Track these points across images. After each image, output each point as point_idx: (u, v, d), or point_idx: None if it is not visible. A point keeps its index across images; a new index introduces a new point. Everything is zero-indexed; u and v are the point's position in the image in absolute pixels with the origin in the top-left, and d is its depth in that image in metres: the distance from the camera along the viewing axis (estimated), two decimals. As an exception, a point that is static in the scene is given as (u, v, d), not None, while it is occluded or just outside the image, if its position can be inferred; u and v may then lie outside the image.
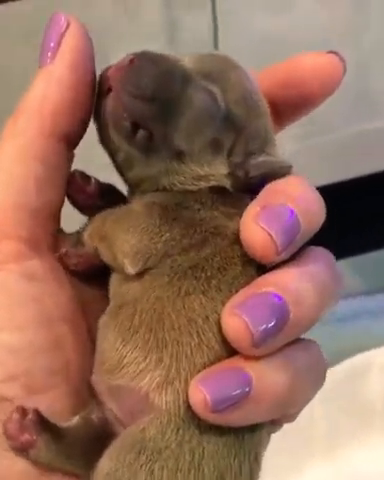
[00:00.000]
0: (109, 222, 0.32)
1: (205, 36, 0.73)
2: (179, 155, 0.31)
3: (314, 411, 0.71)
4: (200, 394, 0.28)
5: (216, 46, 0.73)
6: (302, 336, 0.31)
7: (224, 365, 0.29)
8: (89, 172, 0.34)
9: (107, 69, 0.31)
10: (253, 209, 0.30)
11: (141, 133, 0.31)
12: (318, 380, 0.32)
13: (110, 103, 0.31)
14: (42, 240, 0.32)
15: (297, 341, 0.30)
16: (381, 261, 0.86)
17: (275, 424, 0.33)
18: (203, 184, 0.31)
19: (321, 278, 0.30)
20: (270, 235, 0.29)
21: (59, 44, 0.31)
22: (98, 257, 0.32)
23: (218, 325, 0.29)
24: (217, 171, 0.31)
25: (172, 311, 0.30)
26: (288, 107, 0.34)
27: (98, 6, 0.72)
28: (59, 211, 0.33)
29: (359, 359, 0.75)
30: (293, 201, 0.30)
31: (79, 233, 0.33)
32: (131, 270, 0.31)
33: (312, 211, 0.30)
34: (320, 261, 0.31)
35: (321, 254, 0.32)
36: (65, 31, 0.31)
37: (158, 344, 0.30)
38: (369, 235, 0.77)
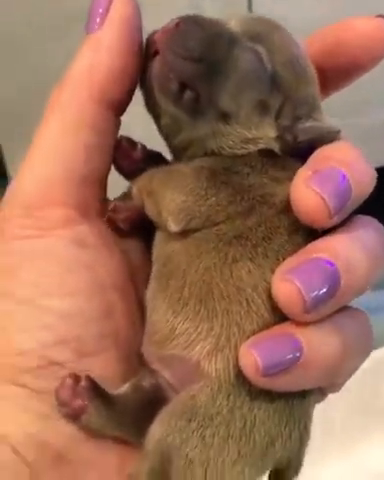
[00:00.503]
0: (157, 179, 0.32)
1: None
2: (225, 116, 0.31)
3: (330, 407, 0.71)
4: (251, 358, 0.29)
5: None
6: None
7: (275, 331, 0.29)
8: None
9: (153, 33, 0.31)
10: (304, 173, 0.29)
11: (188, 94, 0.31)
12: (366, 349, 0.32)
13: (157, 65, 0.31)
14: (91, 206, 0.33)
15: (346, 308, 0.30)
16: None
17: (322, 393, 0.33)
18: (252, 147, 0.31)
19: (371, 245, 0.30)
20: (323, 198, 0.29)
21: (108, 10, 0.31)
22: (144, 212, 0.32)
23: (267, 292, 0.29)
24: (265, 134, 0.31)
25: (220, 281, 0.30)
26: (336, 73, 0.34)
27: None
28: (106, 178, 0.33)
29: (375, 355, 0.74)
30: (344, 166, 0.29)
31: (128, 190, 0.33)
32: (174, 228, 0.31)
33: (362, 177, 0.30)
34: (369, 228, 0.31)
35: (369, 222, 0.31)
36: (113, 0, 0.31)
37: (208, 314, 0.30)
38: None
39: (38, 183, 0.32)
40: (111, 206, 0.33)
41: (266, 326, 0.30)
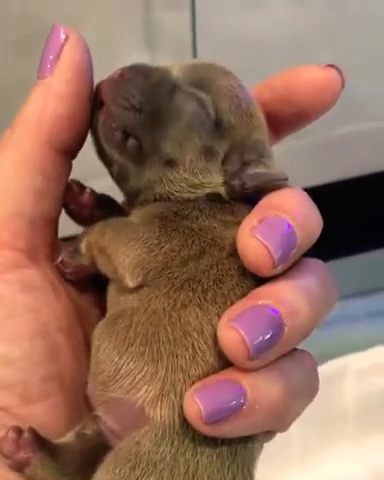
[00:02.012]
0: (108, 234, 0.32)
1: (184, 36, 0.73)
2: (170, 163, 0.31)
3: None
4: (195, 405, 0.28)
5: (194, 46, 0.73)
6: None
7: (219, 377, 0.29)
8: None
9: (101, 82, 0.32)
10: (250, 222, 0.30)
11: (131, 142, 0.31)
12: (312, 390, 0.32)
13: (102, 116, 0.31)
14: (40, 250, 0.33)
15: (291, 352, 0.30)
16: (357, 266, 0.86)
17: (267, 433, 0.33)
18: (199, 192, 0.31)
19: (315, 290, 0.30)
20: (267, 248, 0.29)
21: (58, 57, 0.31)
22: (94, 267, 0.32)
23: (213, 338, 0.30)
24: (212, 179, 0.32)
25: (168, 324, 0.30)
26: (286, 121, 0.34)
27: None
28: (57, 221, 0.33)
29: (334, 365, 0.75)
30: (290, 215, 0.30)
31: (76, 243, 0.33)
32: (130, 284, 0.31)
33: (309, 225, 0.30)
34: (314, 273, 0.31)
35: (315, 266, 0.31)
36: (64, 43, 0.31)
37: (153, 357, 0.30)
38: (344, 241, 0.77)
39: None
40: (58, 260, 0.33)
41: (212, 371, 0.30)
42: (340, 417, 0.74)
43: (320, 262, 0.32)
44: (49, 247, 0.33)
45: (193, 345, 0.30)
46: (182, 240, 0.31)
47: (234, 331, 0.28)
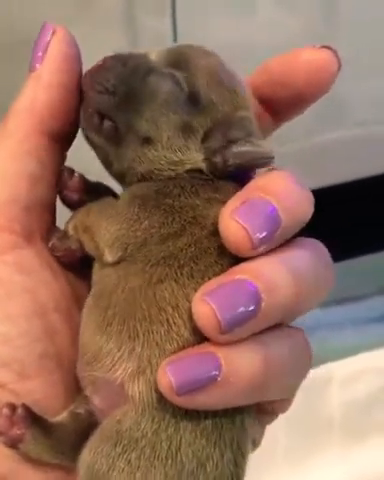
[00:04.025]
0: (92, 213, 0.32)
1: (167, 42, 0.72)
2: (148, 141, 0.31)
3: (273, 425, 0.70)
4: (166, 377, 0.29)
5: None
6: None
7: (194, 350, 0.29)
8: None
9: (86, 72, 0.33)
10: (232, 204, 0.30)
11: (106, 123, 0.32)
12: (299, 367, 0.32)
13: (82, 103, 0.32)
14: (36, 233, 0.33)
15: (277, 327, 0.30)
16: (340, 274, 0.86)
17: (265, 413, 0.33)
18: (180, 169, 0.32)
19: (300, 264, 0.30)
20: (246, 230, 0.29)
21: (46, 50, 0.33)
22: (81, 250, 0.33)
23: (188, 312, 0.30)
24: (192, 156, 0.32)
25: (143, 301, 0.30)
26: (284, 104, 0.34)
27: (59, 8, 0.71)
28: (53, 206, 0.34)
29: (318, 372, 0.75)
30: (274, 196, 0.30)
31: (65, 226, 0.34)
32: (109, 258, 0.31)
33: (296, 207, 0.30)
34: (302, 249, 0.31)
35: (306, 243, 0.31)
36: (52, 38, 0.33)
37: (130, 335, 0.30)
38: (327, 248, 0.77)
39: None
40: (49, 244, 0.34)
41: (187, 346, 0.30)
42: (326, 424, 0.74)
43: (314, 241, 0.32)
44: (46, 231, 0.34)
45: (168, 320, 0.30)
46: (162, 217, 0.31)
47: (206, 305, 0.28)
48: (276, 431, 0.71)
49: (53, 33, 0.33)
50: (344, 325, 0.84)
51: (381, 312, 0.86)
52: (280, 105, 0.34)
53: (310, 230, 0.32)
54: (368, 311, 0.86)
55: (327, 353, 0.77)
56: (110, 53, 0.33)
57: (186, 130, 0.31)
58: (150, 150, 0.31)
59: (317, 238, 0.32)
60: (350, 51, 0.86)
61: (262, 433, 0.35)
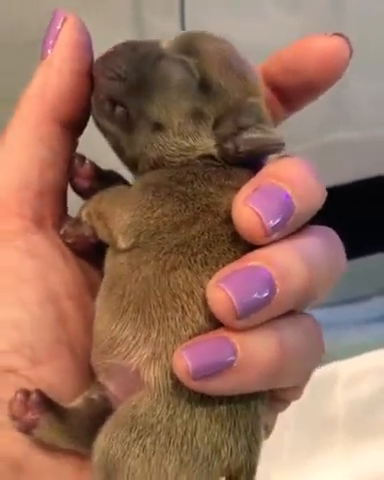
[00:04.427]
0: (105, 200, 0.33)
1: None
2: (159, 127, 0.31)
3: (279, 424, 0.70)
4: (182, 361, 0.29)
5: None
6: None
7: (210, 335, 0.29)
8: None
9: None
10: (246, 191, 0.30)
11: (118, 109, 0.32)
12: (313, 354, 0.32)
13: (93, 89, 0.33)
14: (47, 219, 0.34)
15: (290, 314, 0.30)
16: (345, 273, 0.86)
17: (278, 400, 0.33)
18: (191, 155, 0.32)
19: (313, 252, 0.30)
20: (260, 217, 0.29)
21: (57, 37, 0.33)
22: (94, 236, 0.33)
23: (203, 299, 0.30)
24: (203, 142, 0.32)
25: (158, 288, 0.30)
26: (296, 92, 0.34)
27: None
28: (64, 193, 0.34)
29: (324, 371, 0.75)
30: (287, 183, 0.30)
31: (78, 213, 0.34)
32: (123, 244, 0.31)
33: (308, 194, 0.30)
34: (315, 236, 0.31)
35: (318, 230, 0.32)
36: (62, 25, 0.33)
37: (146, 322, 0.30)
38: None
39: None
40: (61, 230, 0.34)
41: (202, 332, 0.30)
42: (330, 423, 0.74)
43: (329, 230, 0.32)
44: (57, 217, 0.34)
45: (183, 307, 0.30)
46: (176, 205, 0.31)
47: (222, 291, 0.29)
48: (282, 430, 0.72)
49: (64, 20, 0.33)
50: (350, 325, 0.84)
51: (381, 313, 0.86)
52: (292, 93, 0.34)
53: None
54: (372, 312, 0.86)
55: (334, 353, 0.77)
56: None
57: (197, 116, 0.31)
58: (161, 136, 0.31)
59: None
60: (357, 52, 0.87)
61: (274, 420, 0.35)
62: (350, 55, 0.33)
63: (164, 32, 0.73)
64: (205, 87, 0.31)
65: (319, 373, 0.73)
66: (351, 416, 0.74)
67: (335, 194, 0.85)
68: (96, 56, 0.33)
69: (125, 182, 0.34)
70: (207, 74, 0.31)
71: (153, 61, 0.31)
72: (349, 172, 0.85)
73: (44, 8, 0.70)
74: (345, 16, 0.80)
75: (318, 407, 0.74)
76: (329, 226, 0.32)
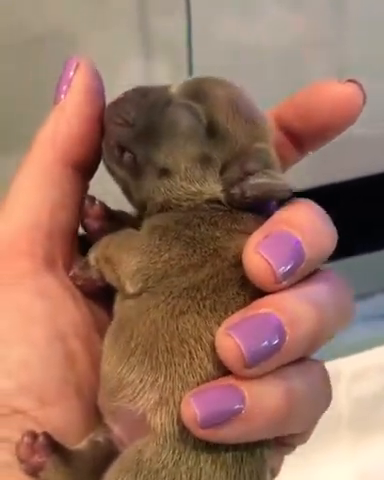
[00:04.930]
0: (112, 245, 0.33)
1: (180, 42, 0.73)
2: (166, 173, 0.32)
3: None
4: (191, 409, 0.28)
5: (190, 52, 0.73)
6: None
7: (218, 382, 0.29)
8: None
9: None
10: (256, 237, 0.30)
11: (126, 156, 0.32)
12: (320, 400, 0.32)
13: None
14: (57, 259, 0.34)
15: (299, 360, 0.30)
16: (350, 270, 0.86)
17: (284, 445, 0.33)
18: (198, 199, 0.32)
19: (324, 300, 0.30)
20: (270, 264, 0.29)
21: (70, 83, 0.34)
22: (102, 280, 0.33)
23: (211, 345, 0.29)
24: (210, 188, 0.32)
25: (166, 333, 0.30)
26: (309, 137, 0.34)
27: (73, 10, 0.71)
28: (75, 234, 0.35)
29: (328, 368, 0.75)
30: (298, 230, 0.29)
31: (87, 256, 0.34)
32: (130, 289, 0.31)
33: (319, 240, 0.30)
34: (324, 282, 0.31)
35: (326, 276, 0.31)
36: (76, 71, 0.34)
37: (153, 366, 0.30)
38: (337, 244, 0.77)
39: (6, 234, 0.33)
40: (71, 272, 0.34)
41: (211, 378, 0.29)
42: (334, 420, 0.75)
43: (333, 273, 0.32)
44: (68, 258, 0.34)
45: (190, 353, 0.30)
46: (183, 249, 0.31)
47: (230, 339, 0.28)
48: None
49: (77, 66, 0.34)
50: (355, 321, 0.84)
51: (385, 310, 0.86)
52: (305, 137, 0.34)
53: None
54: (376, 308, 0.86)
55: (338, 349, 0.77)
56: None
57: (204, 161, 0.31)
58: (168, 181, 0.32)
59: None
60: (357, 51, 0.87)
61: (281, 462, 0.35)
62: (364, 102, 0.32)
63: (168, 33, 0.74)
64: (212, 132, 0.31)
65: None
66: (355, 412, 0.75)
67: (341, 190, 0.85)
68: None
69: (135, 221, 0.34)
70: (214, 119, 0.31)
71: (161, 107, 0.32)
72: (351, 169, 0.85)
73: (49, 8, 0.71)
74: (347, 15, 0.80)
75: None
76: (335, 223, 0.32)
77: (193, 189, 0.32)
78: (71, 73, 0.34)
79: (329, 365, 0.77)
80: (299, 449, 0.71)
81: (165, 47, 0.74)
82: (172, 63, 0.74)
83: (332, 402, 0.75)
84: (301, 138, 0.34)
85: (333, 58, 0.80)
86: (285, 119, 0.34)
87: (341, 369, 0.75)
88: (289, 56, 0.76)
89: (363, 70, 0.77)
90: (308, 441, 0.71)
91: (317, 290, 0.30)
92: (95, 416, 0.32)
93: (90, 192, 0.35)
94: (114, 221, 0.34)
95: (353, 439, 0.75)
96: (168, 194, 0.32)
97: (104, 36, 0.71)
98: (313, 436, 0.72)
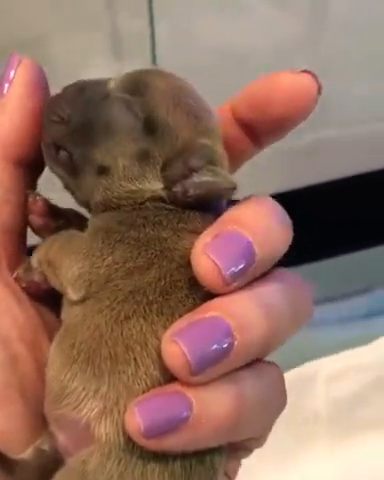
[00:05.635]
0: (55, 247, 0.31)
1: (147, 43, 0.72)
2: (103, 171, 0.31)
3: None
4: (134, 419, 0.28)
5: (153, 53, 0.73)
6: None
7: (163, 389, 0.28)
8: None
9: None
10: (205, 238, 0.29)
11: (62, 154, 0.31)
12: (274, 405, 0.31)
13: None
14: (1, 259, 0.33)
15: (252, 364, 0.29)
16: (326, 271, 0.86)
17: (239, 449, 0.32)
18: (139, 198, 0.31)
19: (275, 300, 0.29)
20: (218, 266, 0.28)
21: (12, 80, 0.33)
22: (46, 283, 0.32)
23: (158, 351, 0.28)
24: (150, 185, 0.31)
25: (109, 339, 0.29)
26: (265, 129, 0.33)
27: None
28: (20, 232, 0.34)
29: (305, 369, 0.75)
30: (249, 229, 0.29)
31: (30, 258, 0.33)
32: (73, 296, 0.30)
33: (272, 239, 0.29)
34: (277, 282, 0.30)
35: (280, 275, 0.30)
36: (17, 67, 0.33)
37: (95, 373, 0.29)
38: (313, 246, 0.77)
39: None
40: (14, 274, 0.33)
41: (157, 385, 0.29)
42: (312, 421, 0.75)
43: (290, 273, 0.31)
44: (13, 258, 0.33)
45: (135, 359, 0.29)
46: (127, 251, 0.30)
47: (176, 345, 0.27)
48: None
49: (19, 63, 0.33)
50: (331, 322, 0.85)
51: (366, 310, 0.86)
52: (260, 129, 0.33)
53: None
54: (353, 309, 0.86)
55: (315, 350, 0.77)
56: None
57: (143, 158, 0.30)
58: (106, 179, 0.30)
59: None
60: (340, 51, 0.87)
61: (238, 465, 0.34)
62: (319, 92, 0.31)
63: (135, 33, 0.73)
64: (151, 127, 0.30)
65: (301, 370, 0.74)
66: (333, 412, 0.75)
67: (321, 191, 0.85)
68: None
69: (84, 220, 0.33)
70: (154, 113, 0.30)
71: (97, 103, 0.31)
72: (335, 169, 0.85)
73: (18, 12, 0.70)
74: (330, 14, 0.80)
75: (300, 404, 0.74)
76: (315, 223, 0.31)
77: (132, 187, 0.30)
78: (12, 69, 0.33)
79: (307, 366, 0.78)
80: (277, 450, 0.72)
81: (134, 48, 0.73)
82: (143, 63, 0.74)
83: (310, 403, 0.76)
84: (257, 130, 0.33)
85: (318, 57, 0.81)
86: (240, 111, 0.33)
87: (318, 370, 0.75)
88: (266, 56, 0.77)
89: (345, 67, 0.77)
90: (286, 440, 0.72)
91: (270, 290, 0.29)
92: (42, 423, 0.31)
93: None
94: (61, 219, 0.33)
95: (331, 439, 0.75)
96: (107, 193, 0.31)
97: (72, 38, 0.70)
98: (291, 437, 0.72)
